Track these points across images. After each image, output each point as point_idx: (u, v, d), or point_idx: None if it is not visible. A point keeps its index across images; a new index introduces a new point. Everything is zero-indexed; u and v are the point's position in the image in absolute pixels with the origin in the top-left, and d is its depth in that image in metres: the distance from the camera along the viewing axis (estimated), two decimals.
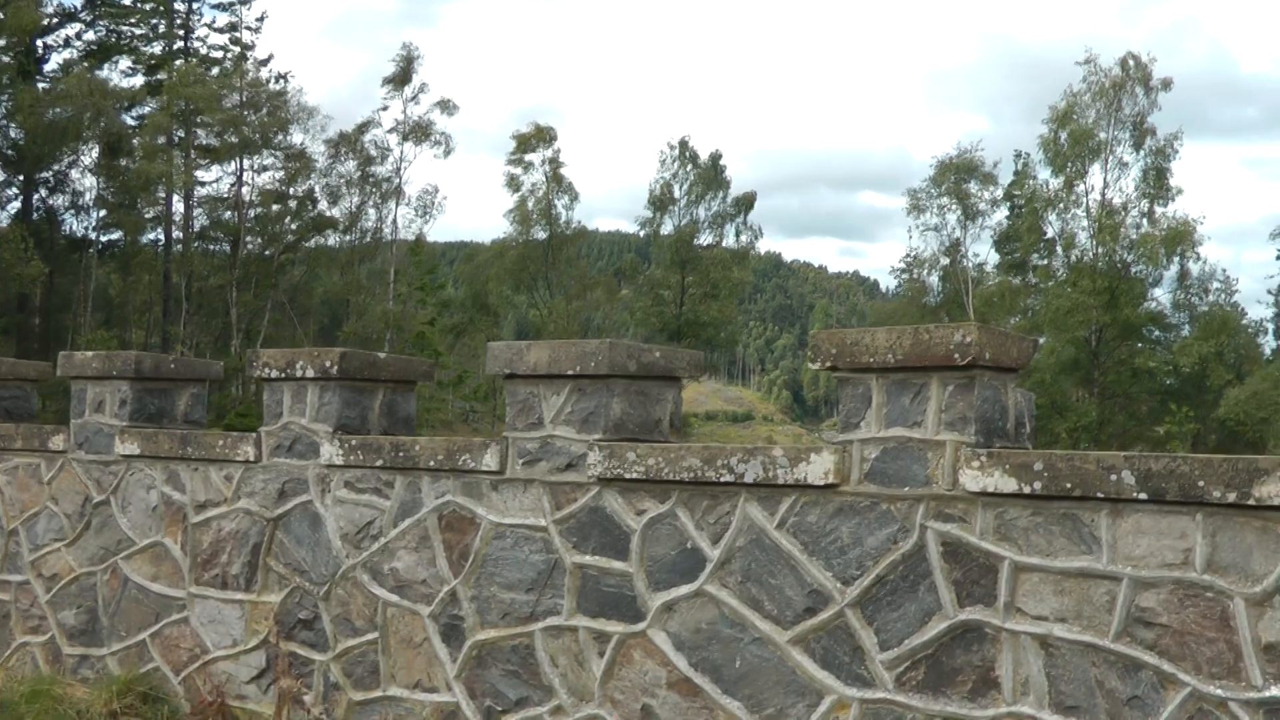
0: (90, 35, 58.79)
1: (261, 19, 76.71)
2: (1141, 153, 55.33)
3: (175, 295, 55.05)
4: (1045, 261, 58.88)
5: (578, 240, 68.59)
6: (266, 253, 58.14)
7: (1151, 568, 4.30)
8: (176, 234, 57.45)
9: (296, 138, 59.18)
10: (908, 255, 64.91)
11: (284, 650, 6.76)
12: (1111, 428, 53.77)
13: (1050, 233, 57.98)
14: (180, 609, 7.30)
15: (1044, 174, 57.95)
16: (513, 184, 64.76)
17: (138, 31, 59.85)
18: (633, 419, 5.89)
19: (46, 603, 7.94)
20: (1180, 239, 54.67)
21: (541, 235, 64.86)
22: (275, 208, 58.16)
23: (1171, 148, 55.06)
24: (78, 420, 7.89)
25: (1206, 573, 4.20)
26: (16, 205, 53.34)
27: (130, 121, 56.75)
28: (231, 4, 59.79)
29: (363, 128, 60.73)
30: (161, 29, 59.68)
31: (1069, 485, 4.44)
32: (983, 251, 63.73)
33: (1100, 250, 54.76)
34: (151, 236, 57.93)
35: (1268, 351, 60.35)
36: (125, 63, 59.71)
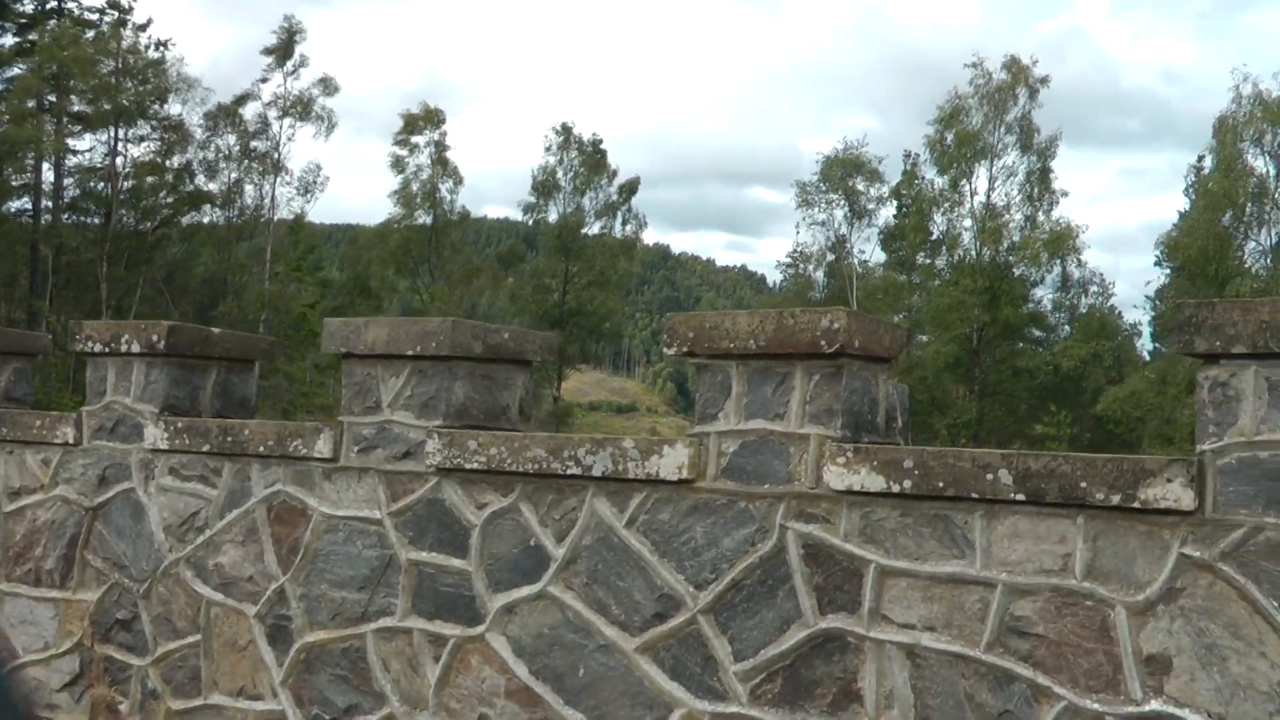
0: None
1: None
2: (1027, 155, 56.38)
3: (43, 269, 53.18)
4: (930, 260, 59.64)
5: (463, 225, 67.88)
6: (140, 227, 56.39)
7: (1028, 574, 4.02)
8: (45, 204, 55.48)
9: (175, 109, 57.61)
10: (794, 250, 65.42)
11: (99, 654, 6.21)
12: (990, 424, 54.74)
13: (936, 232, 58.77)
14: None
15: (930, 174, 58.74)
16: (398, 165, 64.02)
17: None
18: (478, 405, 5.48)
19: None
20: (1062, 242, 55.99)
21: (426, 219, 64.02)
22: (150, 180, 56.41)
23: (1054, 147, 56.25)
24: None
25: (1087, 580, 3.93)
26: None
27: None
28: None
29: (241, 100, 59.27)
30: None
31: (941, 484, 4.13)
32: (869, 249, 64.07)
33: (983, 250, 55.69)
34: (18, 205, 55.87)
35: (1145, 354, 61.87)
36: None
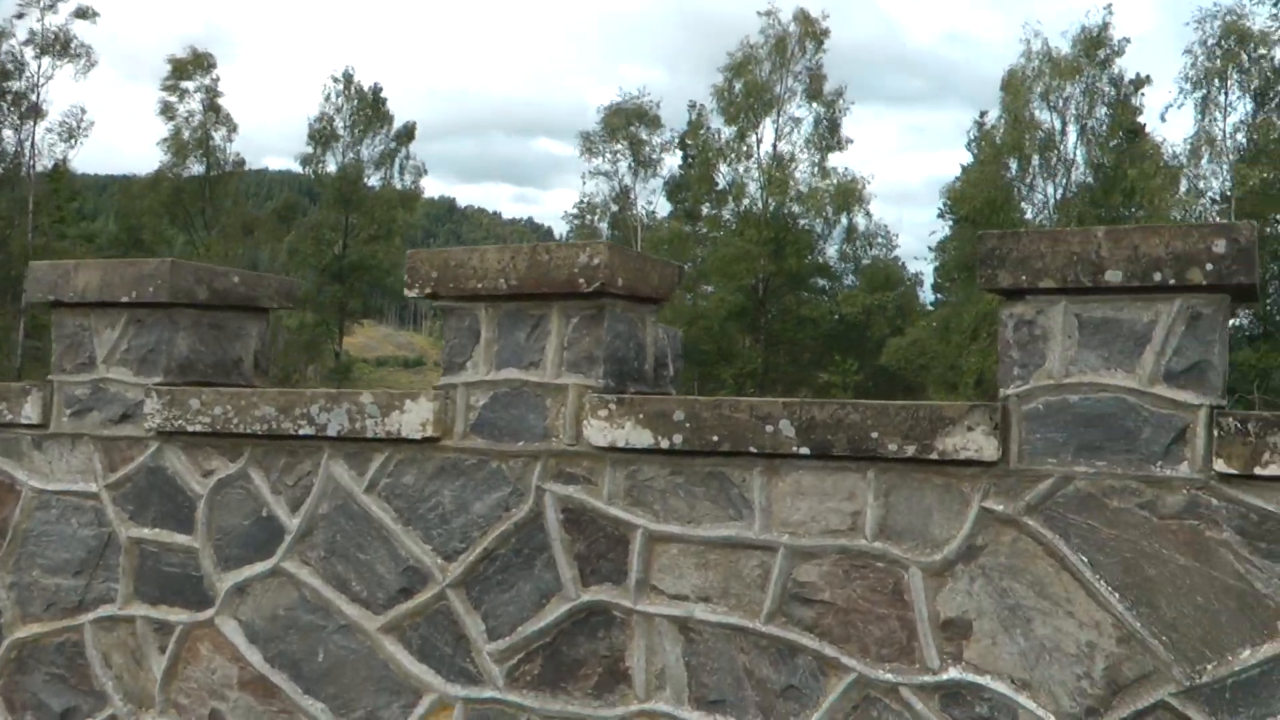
0: None
1: None
2: (814, 105, 56.97)
3: None
4: (716, 211, 59.94)
5: (238, 177, 65.11)
6: None
7: (813, 535, 3.63)
8: None
9: None
10: (580, 202, 64.95)
11: None
12: (776, 374, 55.52)
13: (722, 183, 59.05)
14: None
15: (717, 123, 58.90)
16: (167, 112, 60.73)
17: None
18: (204, 358, 4.83)
19: None
20: (849, 195, 56.80)
21: (199, 169, 61.17)
22: None
23: (841, 99, 56.98)
24: None
25: (878, 540, 3.57)
26: None
27: None
28: None
29: None
30: None
31: (716, 439, 3.69)
32: (656, 200, 63.97)
33: (769, 201, 56.23)
34: None
35: (929, 306, 63.48)
36: None
